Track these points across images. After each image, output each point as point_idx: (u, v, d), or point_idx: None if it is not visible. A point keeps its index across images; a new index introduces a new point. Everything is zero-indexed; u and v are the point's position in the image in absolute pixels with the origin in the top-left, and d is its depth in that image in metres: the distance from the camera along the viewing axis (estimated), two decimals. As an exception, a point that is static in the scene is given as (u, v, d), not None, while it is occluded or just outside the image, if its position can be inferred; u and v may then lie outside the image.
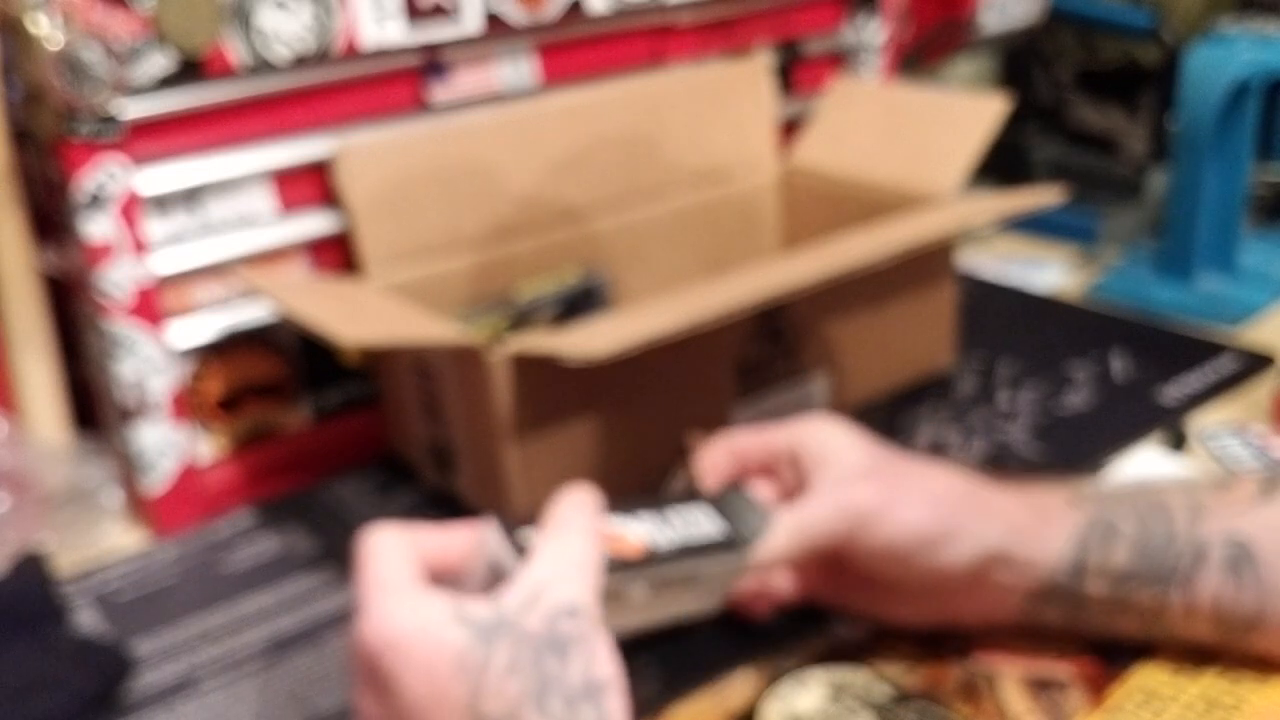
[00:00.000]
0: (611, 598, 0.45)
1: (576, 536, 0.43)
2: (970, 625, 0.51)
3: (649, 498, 0.50)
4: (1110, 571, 0.48)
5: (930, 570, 0.48)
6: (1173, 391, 0.74)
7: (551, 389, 0.60)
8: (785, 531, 0.49)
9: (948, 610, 0.51)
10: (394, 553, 0.42)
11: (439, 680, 0.38)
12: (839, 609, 0.53)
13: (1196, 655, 0.49)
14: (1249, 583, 0.47)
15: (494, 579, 0.43)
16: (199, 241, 0.65)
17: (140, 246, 0.62)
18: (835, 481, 0.49)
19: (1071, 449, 0.68)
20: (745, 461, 0.53)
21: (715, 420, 0.67)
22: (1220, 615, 0.48)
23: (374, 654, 0.39)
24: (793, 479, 0.52)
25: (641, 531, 0.47)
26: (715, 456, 0.54)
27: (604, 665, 0.40)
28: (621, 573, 0.46)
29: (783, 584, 0.52)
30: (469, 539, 0.44)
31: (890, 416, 0.72)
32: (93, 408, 0.68)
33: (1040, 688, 0.49)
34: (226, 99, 0.64)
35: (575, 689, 0.39)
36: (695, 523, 0.49)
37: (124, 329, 0.62)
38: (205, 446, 0.68)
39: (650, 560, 0.47)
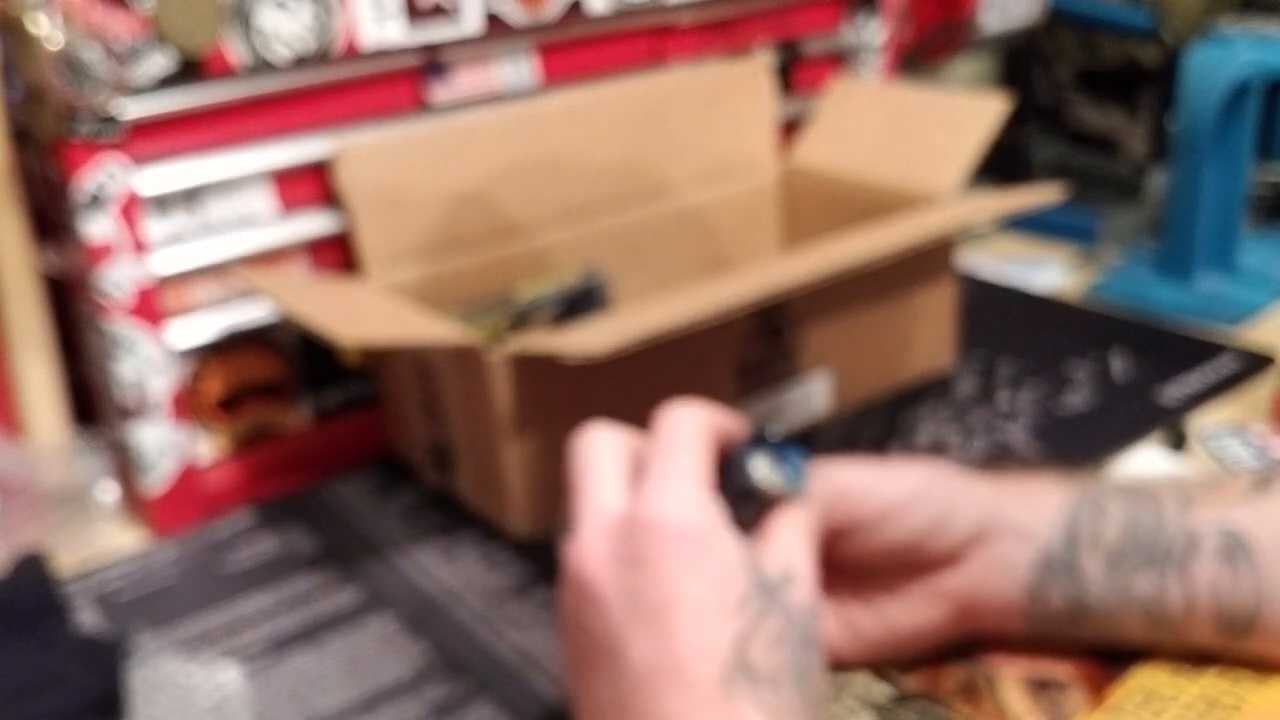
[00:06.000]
0: None
1: (801, 534, 0.43)
2: (974, 630, 0.50)
3: None
4: (1104, 547, 0.48)
5: (924, 546, 0.48)
6: (1173, 391, 0.74)
7: (551, 389, 0.60)
8: (783, 535, 0.46)
9: (949, 606, 0.50)
10: (697, 442, 0.42)
11: (723, 598, 0.38)
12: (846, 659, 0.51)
13: (1196, 655, 0.49)
14: (1245, 573, 0.47)
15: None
16: (199, 241, 0.65)
17: (140, 246, 0.62)
18: (818, 475, 0.48)
19: (1071, 449, 0.68)
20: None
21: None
22: (1220, 610, 0.47)
23: (660, 532, 0.39)
24: None
25: None
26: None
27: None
28: None
29: None
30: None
31: (890, 416, 0.72)
32: (93, 407, 0.68)
33: (1040, 688, 0.49)
34: (226, 99, 0.64)
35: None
36: None
37: (124, 329, 0.62)
38: (205, 446, 0.68)
39: None
